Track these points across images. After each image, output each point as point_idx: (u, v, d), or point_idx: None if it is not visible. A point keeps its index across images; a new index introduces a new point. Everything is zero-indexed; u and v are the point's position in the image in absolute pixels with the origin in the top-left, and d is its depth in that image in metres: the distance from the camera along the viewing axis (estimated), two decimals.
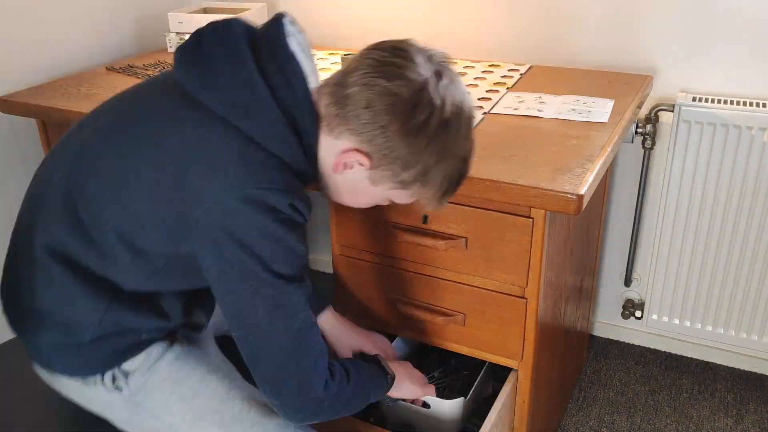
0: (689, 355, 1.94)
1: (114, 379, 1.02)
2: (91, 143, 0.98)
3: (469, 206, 1.17)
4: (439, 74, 0.91)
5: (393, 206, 1.23)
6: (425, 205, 0.98)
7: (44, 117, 1.51)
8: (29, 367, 1.05)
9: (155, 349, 1.03)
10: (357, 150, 0.92)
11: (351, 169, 0.94)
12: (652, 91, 1.69)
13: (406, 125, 0.89)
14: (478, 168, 1.12)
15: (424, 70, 0.90)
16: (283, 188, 0.89)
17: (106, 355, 1.00)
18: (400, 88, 0.88)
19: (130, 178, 0.93)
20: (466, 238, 1.19)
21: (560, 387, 1.62)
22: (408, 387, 1.19)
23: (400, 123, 0.89)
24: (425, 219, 1.22)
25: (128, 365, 1.02)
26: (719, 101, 1.58)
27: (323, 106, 0.93)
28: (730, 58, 1.60)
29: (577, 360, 1.82)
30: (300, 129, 0.92)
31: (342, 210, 1.29)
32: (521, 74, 1.65)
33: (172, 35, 1.91)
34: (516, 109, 1.38)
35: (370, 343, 1.26)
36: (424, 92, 0.89)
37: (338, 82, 0.92)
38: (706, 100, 1.58)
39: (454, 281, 1.24)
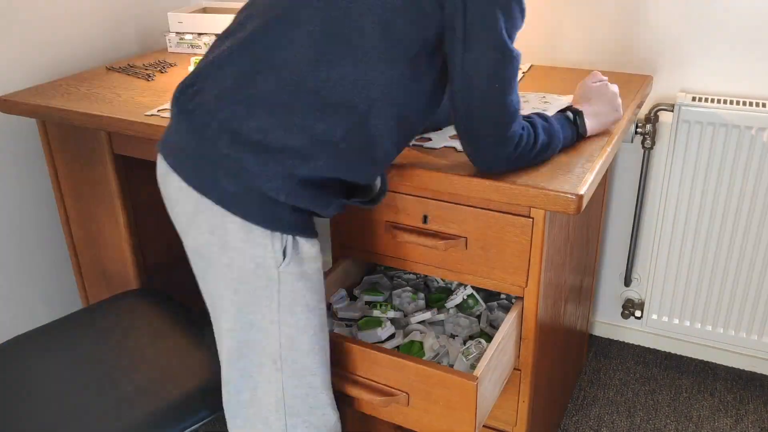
0: (689, 355, 1.94)
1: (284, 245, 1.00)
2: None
3: (469, 206, 1.17)
4: None
5: (393, 206, 1.23)
6: None
7: (44, 117, 1.51)
8: (29, 367, 1.04)
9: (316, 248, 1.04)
10: None
11: None
12: (652, 90, 1.69)
13: None
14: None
15: None
16: None
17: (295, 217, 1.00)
18: None
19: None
20: (466, 238, 1.19)
21: (560, 387, 1.62)
22: (597, 119, 1.23)
23: None
24: (425, 219, 1.22)
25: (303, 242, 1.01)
26: (719, 101, 1.58)
27: None
28: (730, 58, 1.60)
29: (577, 360, 1.82)
30: None
31: None
32: (523, 73, 1.65)
33: (172, 35, 1.91)
34: (521, 109, 1.38)
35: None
36: None
37: None
38: (706, 100, 1.58)
39: (455, 281, 1.24)
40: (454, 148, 1.21)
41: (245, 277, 1.00)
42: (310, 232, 1.02)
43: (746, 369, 1.88)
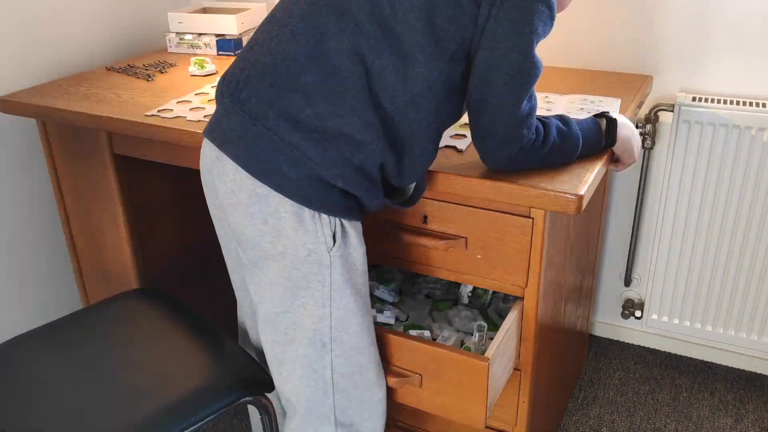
0: (689, 355, 1.94)
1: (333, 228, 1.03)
2: None
3: (470, 206, 1.17)
4: None
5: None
6: None
7: (44, 117, 1.51)
8: (29, 367, 1.04)
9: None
10: None
11: None
12: (652, 91, 1.69)
13: None
14: (478, 168, 1.12)
15: None
16: None
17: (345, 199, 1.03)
18: None
19: None
20: (466, 238, 1.19)
21: (560, 387, 1.62)
22: (628, 152, 1.22)
23: None
24: (425, 219, 1.22)
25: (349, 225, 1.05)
26: (719, 101, 1.58)
27: None
28: (730, 58, 1.60)
29: (577, 360, 1.82)
30: None
31: None
32: None
33: (172, 35, 1.91)
34: (536, 113, 1.38)
35: None
36: None
37: None
38: (706, 100, 1.58)
39: (454, 281, 1.24)
40: (454, 147, 1.21)
41: (298, 263, 1.03)
42: (356, 216, 1.05)
43: (746, 369, 1.88)
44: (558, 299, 1.37)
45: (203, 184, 1.15)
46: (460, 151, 1.19)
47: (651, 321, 1.83)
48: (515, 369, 1.26)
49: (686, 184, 1.65)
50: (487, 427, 1.35)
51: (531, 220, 1.12)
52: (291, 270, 1.04)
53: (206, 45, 1.86)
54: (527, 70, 1.01)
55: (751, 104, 1.55)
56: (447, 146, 1.22)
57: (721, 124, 1.56)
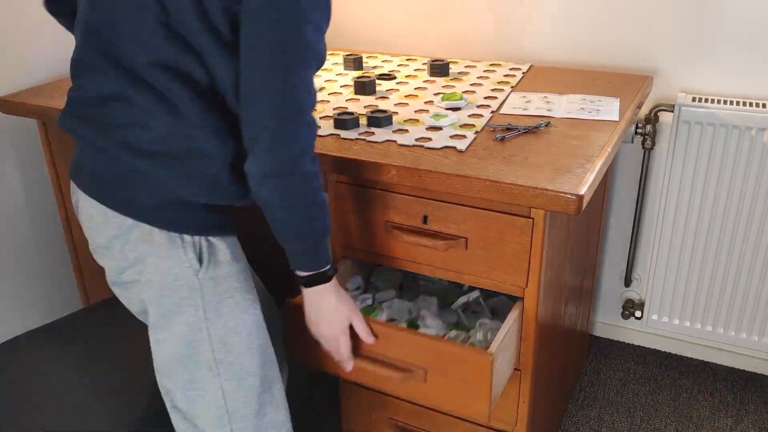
0: (689, 355, 1.94)
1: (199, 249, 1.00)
2: None
3: (469, 206, 1.17)
4: None
5: (393, 206, 1.23)
6: None
7: (45, 117, 1.52)
8: (30, 366, 1.04)
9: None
10: None
11: None
12: (652, 91, 1.69)
13: None
14: (478, 168, 1.12)
15: None
16: None
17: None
18: None
19: None
20: (466, 238, 1.19)
21: (560, 387, 1.62)
22: (325, 322, 1.08)
23: None
24: (425, 219, 1.22)
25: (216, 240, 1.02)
26: (719, 101, 1.58)
27: None
28: (729, 58, 1.60)
29: (577, 360, 1.82)
30: None
31: (342, 211, 1.29)
32: (523, 74, 1.65)
33: None
34: (525, 109, 1.39)
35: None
36: None
37: None
38: (706, 101, 1.58)
39: (455, 281, 1.24)
40: (454, 148, 1.21)
41: (166, 290, 1.00)
42: (226, 231, 1.02)
43: (746, 369, 1.88)
44: (558, 299, 1.37)
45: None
46: (460, 152, 1.19)
47: (651, 321, 1.83)
48: (515, 369, 1.26)
49: (686, 184, 1.65)
50: (487, 427, 1.35)
51: (531, 220, 1.12)
52: (161, 297, 1.00)
53: None
54: (297, 49, 0.90)
55: (751, 104, 1.55)
56: (446, 146, 1.22)
57: (721, 124, 1.56)
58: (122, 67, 0.95)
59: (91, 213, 1.01)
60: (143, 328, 1.28)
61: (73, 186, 1.07)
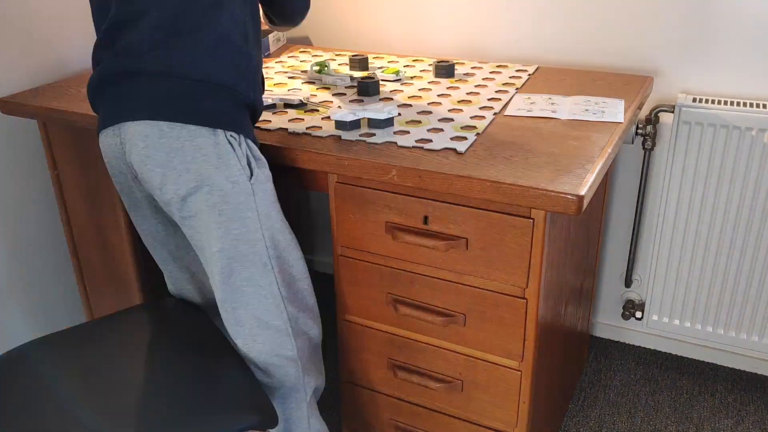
0: (690, 356, 1.94)
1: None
2: None
3: (470, 207, 1.17)
4: None
5: (393, 207, 1.23)
6: None
7: (46, 118, 1.52)
8: (38, 375, 1.04)
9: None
10: None
11: None
12: (653, 92, 1.69)
13: None
14: (478, 169, 1.12)
15: None
16: None
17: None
18: None
19: None
20: (467, 238, 1.19)
21: (561, 388, 1.62)
22: None
23: None
24: (426, 220, 1.22)
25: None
26: (719, 102, 1.58)
27: None
28: (730, 58, 1.60)
29: (578, 361, 1.82)
30: None
31: (343, 211, 1.29)
32: (529, 75, 1.65)
33: None
34: (529, 111, 1.39)
35: None
36: None
37: None
38: (707, 101, 1.58)
39: (455, 282, 1.24)
40: (454, 149, 1.21)
41: (226, 197, 1.13)
42: (254, 136, 1.19)
43: (747, 370, 1.88)
44: (558, 300, 1.37)
45: (113, 178, 1.23)
46: (460, 153, 1.20)
47: (652, 322, 1.83)
48: (516, 369, 1.26)
49: (687, 185, 1.65)
50: (487, 427, 1.35)
51: (531, 220, 1.12)
52: (222, 205, 1.12)
53: None
54: None
55: (751, 105, 1.55)
56: (446, 148, 1.22)
57: (722, 125, 1.56)
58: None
59: (147, 133, 1.10)
60: (153, 343, 1.28)
61: (106, 132, 1.16)
